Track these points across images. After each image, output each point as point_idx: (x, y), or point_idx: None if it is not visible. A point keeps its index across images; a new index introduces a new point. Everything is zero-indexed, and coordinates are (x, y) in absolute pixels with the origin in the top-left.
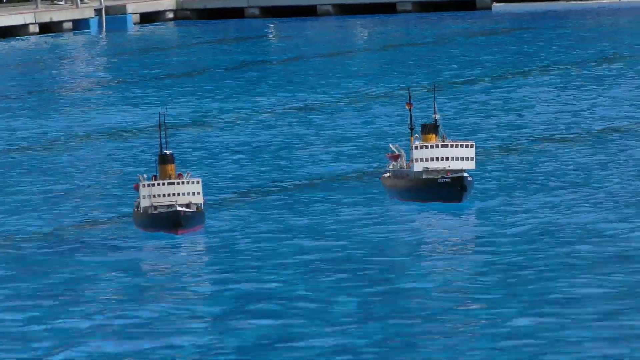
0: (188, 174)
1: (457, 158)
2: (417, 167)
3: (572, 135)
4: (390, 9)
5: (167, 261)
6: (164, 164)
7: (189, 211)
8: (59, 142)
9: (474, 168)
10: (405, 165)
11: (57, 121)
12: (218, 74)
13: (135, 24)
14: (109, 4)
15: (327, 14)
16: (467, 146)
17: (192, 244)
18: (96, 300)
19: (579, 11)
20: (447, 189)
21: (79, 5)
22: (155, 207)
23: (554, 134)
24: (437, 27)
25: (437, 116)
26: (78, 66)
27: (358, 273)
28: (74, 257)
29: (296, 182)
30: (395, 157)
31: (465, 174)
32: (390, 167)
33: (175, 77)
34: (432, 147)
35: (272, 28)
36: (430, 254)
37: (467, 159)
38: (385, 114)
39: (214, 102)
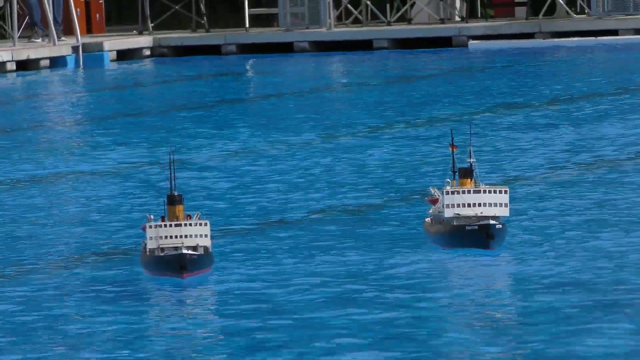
0: (197, 215)
1: (489, 204)
2: (448, 212)
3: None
4: (366, 46)
5: (171, 306)
6: (172, 205)
7: (195, 254)
8: (47, 180)
9: (508, 215)
10: (442, 208)
11: (46, 159)
12: (196, 111)
13: (112, 61)
14: (86, 41)
15: (303, 50)
16: (500, 192)
17: (198, 288)
18: (95, 344)
19: (556, 48)
20: (475, 236)
21: (56, 42)
22: (162, 249)
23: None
24: (415, 64)
25: (473, 160)
26: (56, 103)
27: (375, 317)
28: (77, 300)
29: (297, 219)
30: (434, 201)
31: (492, 222)
32: (431, 211)
33: (153, 114)
34: (463, 192)
35: (249, 65)
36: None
37: (500, 205)
38: (370, 149)
39: (193, 139)
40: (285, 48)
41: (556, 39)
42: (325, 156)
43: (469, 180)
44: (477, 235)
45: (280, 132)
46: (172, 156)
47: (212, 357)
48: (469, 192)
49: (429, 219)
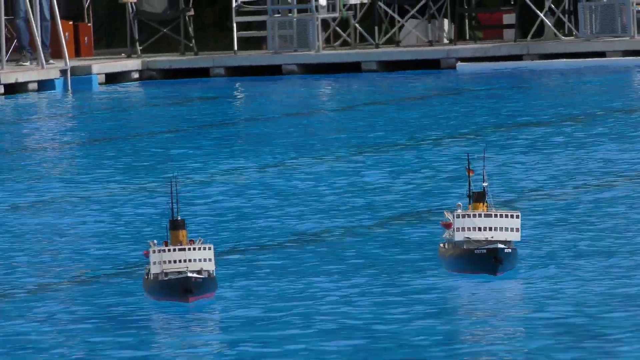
0: (200, 240)
1: (500, 229)
2: (458, 236)
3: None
4: (354, 69)
5: (177, 332)
6: (175, 230)
7: (199, 277)
8: (36, 206)
9: (519, 240)
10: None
11: (37, 183)
12: (185, 133)
13: (100, 84)
14: (74, 64)
15: (292, 73)
16: (512, 216)
17: (204, 313)
18: None
19: (545, 70)
20: (482, 261)
21: (45, 66)
22: (166, 274)
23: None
24: (403, 86)
25: (486, 184)
26: (44, 126)
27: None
28: (78, 328)
29: (291, 242)
30: (448, 225)
31: (501, 246)
32: (446, 235)
33: (142, 136)
34: (474, 216)
35: (237, 87)
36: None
37: (511, 229)
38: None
39: (186, 161)
40: (274, 70)
41: (544, 61)
42: (318, 178)
43: (481, 204)
44: (485, 259)
45: (272, 155)
46: (174, 181)
47: None
48: (479, 215)
49: (442, 244)
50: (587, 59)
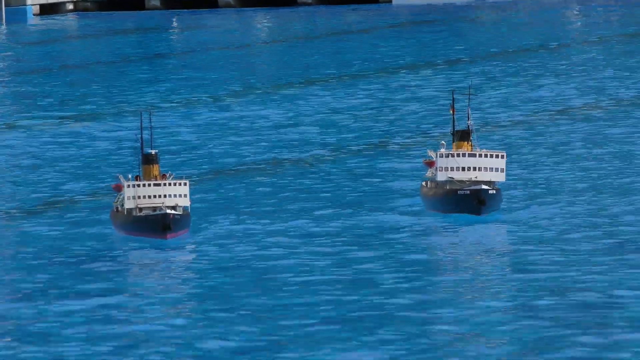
0: (171, 175)
1: (485, 169)
2: (441, 176)
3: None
4: (290, 2)
5: (158, 267)
6: (148, 164)
7: (177, 214)
8: None
9: (504, 180)
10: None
11: None
12: (118, 66)
13: (35, 15)
14: None
15: (228, 5)
16: (497, 156)
17: (182, 250)
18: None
19: (479, 5)
20: (466, 202)
21: None
22: (140, 209)
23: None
24: (339, 20)
25: (471, 122)
26: None
27: (341, 277)
28: (53, 265)
29: (224, 169)
30: (431, 164)
31: (485, 187)
32: (428, 174)
33: (76, 67)
34: (458, 155)
35: (173, 20)
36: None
37: (496, 170)
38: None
39: (119, 94)
40: (210, 3)
41: None
42: (256, 109)
43: (466, 142)
44: (469, 201)
45: (207, 87)
46: (150, 114)
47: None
48: (463, 155)
49: (424, 182)
50: None
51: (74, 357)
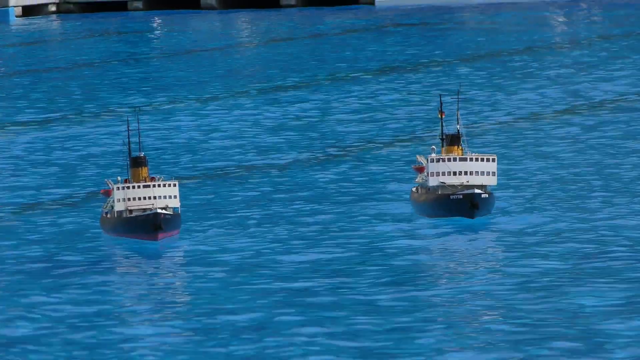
0: (160, 178)
1: (476, 173)
2: (433, 181)
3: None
4: (273, 3)
5: (149, 268)
6: (136, 167)
7: (168, 214)
8: None
9: (495, 184)
10: (426, 177)
11: None
12: (102, 68)
13: (17, 17)
14: None
15: (210, 7)
16: (488, 160)
17: (173, 250)
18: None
19: (462, 6)
20: (459, 206)
21: None
22: (131, 211)
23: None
24: (321, 22)
25: (460, 126)
26: None
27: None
28: (46, 272)
29: (213, 171)
30: (421, 169)
31: (478, 191)
32: (418, 180)
33: (59, 70)
34: (449, 160)
35: (155, 22)
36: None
37: (488, 173)
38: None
39: (102, 96)
40: (192, 4)
41: None
42: (240, 111)
43: (456, 147)
44: (462, 205)
45: (189, 91)
46: (137, 116)
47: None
48: (454, 159)
49: (415, 188)
50: None
51: None
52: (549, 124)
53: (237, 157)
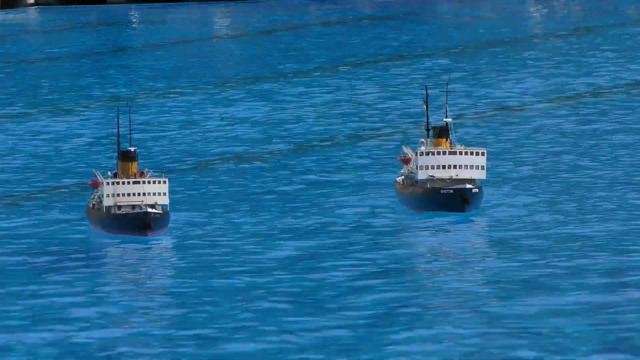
0: (148, 172)
1: (465, 166)
2: (422, 175)
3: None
4: None
5: (139, 264)
6: (126, 162)
7: (158, 212)
8: None
9: (484, 177)
10: (415, 170)
11: None
12: (82, 60)
13: None
14: None
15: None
16: (477, 154)
17: (162, 246)
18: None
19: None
20: (450, 200)
21: None
22: (119, 207)
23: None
24: (299, 14)
25: (449, 119)
26: None
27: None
28: (32, 265)
29: (198, 161)
30: (407, 161)
31: (468, 185)
32: (403, 170)
33: (38, 61)
34: (438, 153)
35: (134, 13)
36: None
37: (477, 167)
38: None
39: (83, 88)
40: None
41: None
42: (222, 105)
43: (444, 140)
44: (452, 199)
45: (166, 82)
46: (128, 112)
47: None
48: (443, 153)
49: (400, 178)
50: None
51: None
52: (532, 116)
53: (220, 149)
